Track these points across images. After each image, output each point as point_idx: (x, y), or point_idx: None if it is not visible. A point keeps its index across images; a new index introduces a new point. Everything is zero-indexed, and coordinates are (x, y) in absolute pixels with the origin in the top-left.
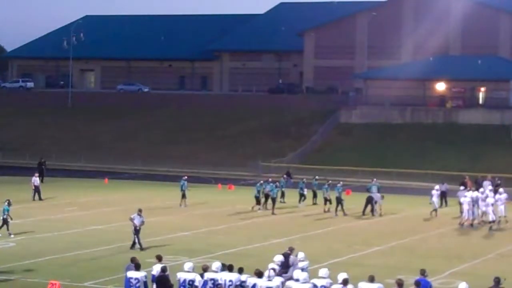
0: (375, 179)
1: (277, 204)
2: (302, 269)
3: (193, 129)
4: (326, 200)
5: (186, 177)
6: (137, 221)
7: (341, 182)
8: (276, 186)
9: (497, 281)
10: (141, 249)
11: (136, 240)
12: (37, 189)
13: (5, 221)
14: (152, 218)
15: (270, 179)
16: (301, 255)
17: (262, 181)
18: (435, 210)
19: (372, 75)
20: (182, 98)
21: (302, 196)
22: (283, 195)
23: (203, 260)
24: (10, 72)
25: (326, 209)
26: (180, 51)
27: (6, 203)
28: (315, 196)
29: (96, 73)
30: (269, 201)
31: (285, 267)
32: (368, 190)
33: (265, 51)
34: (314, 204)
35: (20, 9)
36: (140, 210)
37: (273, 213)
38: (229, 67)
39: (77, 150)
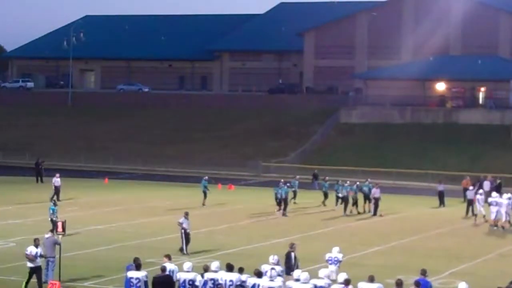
0: (369, 179)
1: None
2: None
3: (193, 129)
4: (355, 201)
5: (207, 177)
6: (186, 225)
7: (348, 182)
8: (288, 187)
9: None
10: (185, 253)
11: (184, 244)
12: (57, 190)
13: (52, 222)
14: (152, 218)
15: (282, 180)
16: (336, 249)
17: (281, 183)
18: (483, 215)
19: (372, 75)
20: (182, 98)
21: (338, 199)
22: (295, 195)
23: (203, 260)
24: (10, 72)
25: (361, 211)
26: (180, 51)
27: (52, 203)
28: (326, 197)
29: (96, 73)
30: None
31: (288, 267)
32: (369, 190)
33: (265, 51)
34: (324, 205)
35: (20, 9)
36: (186, 213)
37: (284, 215)
38: (229, 67)
39: (77, 150)
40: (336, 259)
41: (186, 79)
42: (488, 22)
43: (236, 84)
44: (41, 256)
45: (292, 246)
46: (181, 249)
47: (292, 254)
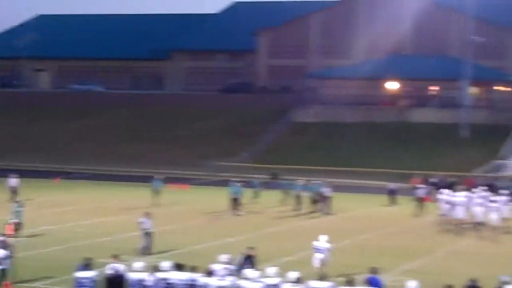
0: (321, 178)
1: (249, 205)
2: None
3: (148, 129)
4: (315, 200)
5: (159, 177)
6: (147, 225)
7: (301, 181)
8: (244, 186)
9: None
10: (144, 253)
11: (146, 244)
12: (13, 190)
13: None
14: (104, 218)
15: (236, 179)
16: (324, 238)
17: (237, 183)
18: (442, 214)
19: (325, 75)
20: (137, 97)
21: (297, 198)
22: (256, 195)
23: (155, 260)
24: None
25: (314, 209)
26: (135, 51)
27: (16, 205)
28: (286, 196)
29: (50, 73)
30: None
31: (240, 268)
32: (314, 189)
33: (219, 51)
34: (282, 204)
35: None
36: (147, 213)
37: (237, 214)
38: (184, 67)
39: (32, 150)
40: (323, 248)
41: (141, 78)
42: (439, 22)
43: (190, 84)
44: (9, 257)
45: (251, 249)
46: (143, 249)
47: (250, 257)
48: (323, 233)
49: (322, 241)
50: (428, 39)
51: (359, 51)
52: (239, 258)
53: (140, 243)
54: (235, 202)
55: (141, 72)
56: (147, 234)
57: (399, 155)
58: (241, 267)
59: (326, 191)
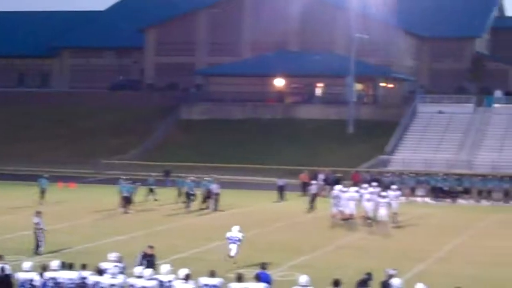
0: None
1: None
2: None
3: (34, 127)
4: (206, 197)
5: (45, 175)
6: (42, 225)
7: (191, 178)
8: (133, 184)
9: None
10: (41, 253)
11: (39, 242)
12: None
13: None
14: None
15: (124, 177)
16: (236, 228)
17: (124, 180)
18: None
19: (212, 71)
20: (22, 96)
21: (188, 195)
22: (152, 192)
23: (43, 259)
24: None
25: (203, 206)
26: (19, 48)
27: None
28: (179, 194)
29: None
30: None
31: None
32: (204, 186)
33: (107, 48)
34: (176, 202)
35: None
36: (38, 213)
37: (127, 212)
38: (70, 64)
39: None
40: (236, 238)
41: (26, 76)
42: (325, 18)
43: (77, 81)
44: None
45: (150, 248)
46: (37, 248)
47: (148, 256)
48: (212, 230)
49: (235, 231)
50: (315, 36)
51: (247, 48)
52: (137, 257)
53: (35, 243)
54: (126, 200)
55: (26, 70)
56: (40, 234)
57: (287, 151)
58: (139, 265)
59: (215, 187)
